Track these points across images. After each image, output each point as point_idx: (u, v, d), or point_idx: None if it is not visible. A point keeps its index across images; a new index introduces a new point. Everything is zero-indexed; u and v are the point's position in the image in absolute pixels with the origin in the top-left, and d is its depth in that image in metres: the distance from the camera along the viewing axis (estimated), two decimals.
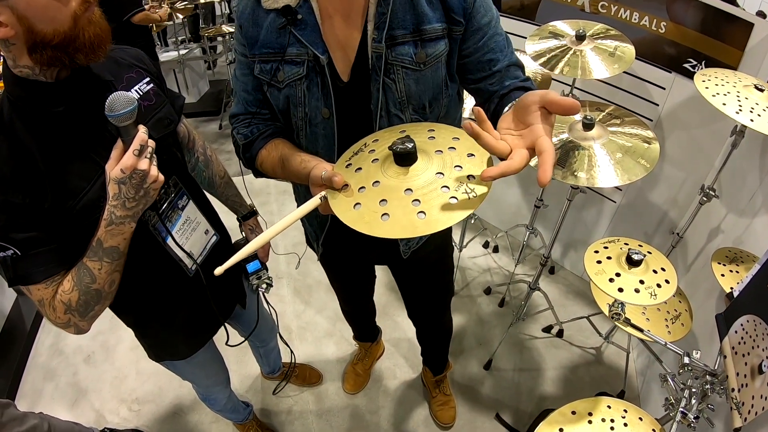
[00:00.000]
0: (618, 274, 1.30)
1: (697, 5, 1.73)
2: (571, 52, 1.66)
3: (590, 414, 1.23)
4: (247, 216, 1.39)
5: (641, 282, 1.28)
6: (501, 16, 2.16)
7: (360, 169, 0.70)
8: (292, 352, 1.85)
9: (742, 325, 1.16)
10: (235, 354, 2.20)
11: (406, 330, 2.40)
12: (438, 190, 0.62)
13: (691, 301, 1.61)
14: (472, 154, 0.66)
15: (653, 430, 1.22)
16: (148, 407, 2.21)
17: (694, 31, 1.76)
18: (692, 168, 1.91)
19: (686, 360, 1.20)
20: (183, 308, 1.18)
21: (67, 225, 0.84)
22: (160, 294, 1.11)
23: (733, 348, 1.17)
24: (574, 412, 1.24)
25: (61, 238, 0.85)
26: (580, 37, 1.67)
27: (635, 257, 1.29)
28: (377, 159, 0.69)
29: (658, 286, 1.26)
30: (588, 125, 1.42)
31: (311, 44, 0.90)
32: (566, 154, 1.41)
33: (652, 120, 1.96)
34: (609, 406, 1.25)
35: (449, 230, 1.41)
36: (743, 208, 1.64)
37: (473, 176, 0.62)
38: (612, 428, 1.20)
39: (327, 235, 1.20)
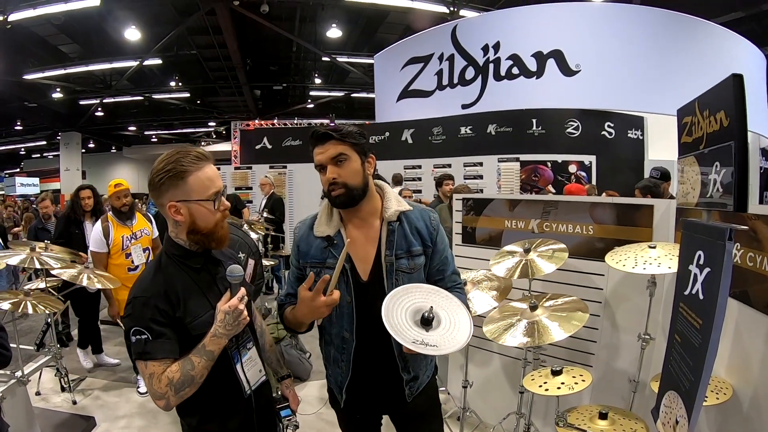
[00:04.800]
0: (546, 382, 1.83)
1: (610, 206, 2.49)
2: (523, 261, 2.37)
3: None
4: (284, 377, 1.74)
5: (562, 383, 1.80)
6: (474, 246, 3.01)
7: None
8: None
9: (664, 403, 1.53)
10: None
11: None
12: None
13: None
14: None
15: None
16: None
17: (613, 225, 2.46)
18: (641, 329, 2.23)
19: None
20: (234, 419, 1.48)
21: (182, 332, 1.32)
22: (221, 403, 1.45)
23: (663, 423, 1.52)
24: None
25: (177, 338, 1.31)
26: (527, 251, 2.40)
27: (556, 369, 1.87)
28: None
29: (576, 384, 1.77)
30: (533, 307, 2.08)
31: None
32: (526, 328, 2.03)
33: (600, 302, 2.47)
34: None
35: (437, 390, 1.78)
36: None
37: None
38: None
39: (350, 381, 1.58)
